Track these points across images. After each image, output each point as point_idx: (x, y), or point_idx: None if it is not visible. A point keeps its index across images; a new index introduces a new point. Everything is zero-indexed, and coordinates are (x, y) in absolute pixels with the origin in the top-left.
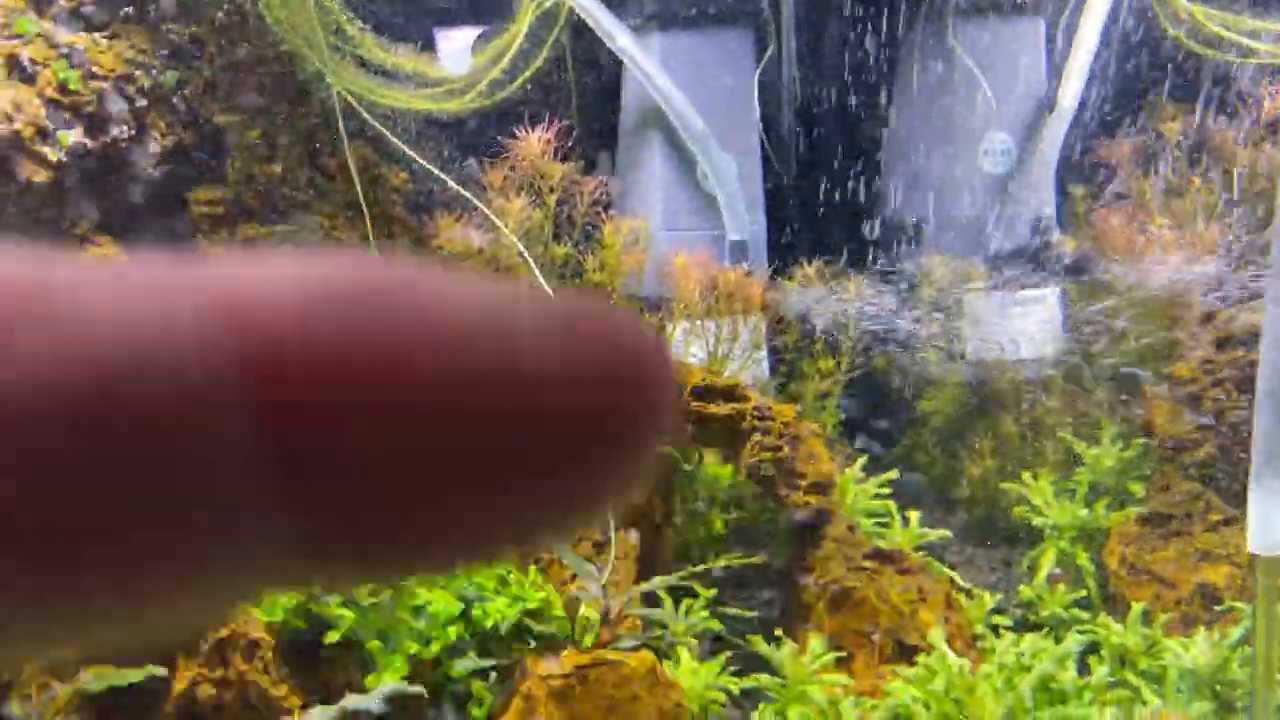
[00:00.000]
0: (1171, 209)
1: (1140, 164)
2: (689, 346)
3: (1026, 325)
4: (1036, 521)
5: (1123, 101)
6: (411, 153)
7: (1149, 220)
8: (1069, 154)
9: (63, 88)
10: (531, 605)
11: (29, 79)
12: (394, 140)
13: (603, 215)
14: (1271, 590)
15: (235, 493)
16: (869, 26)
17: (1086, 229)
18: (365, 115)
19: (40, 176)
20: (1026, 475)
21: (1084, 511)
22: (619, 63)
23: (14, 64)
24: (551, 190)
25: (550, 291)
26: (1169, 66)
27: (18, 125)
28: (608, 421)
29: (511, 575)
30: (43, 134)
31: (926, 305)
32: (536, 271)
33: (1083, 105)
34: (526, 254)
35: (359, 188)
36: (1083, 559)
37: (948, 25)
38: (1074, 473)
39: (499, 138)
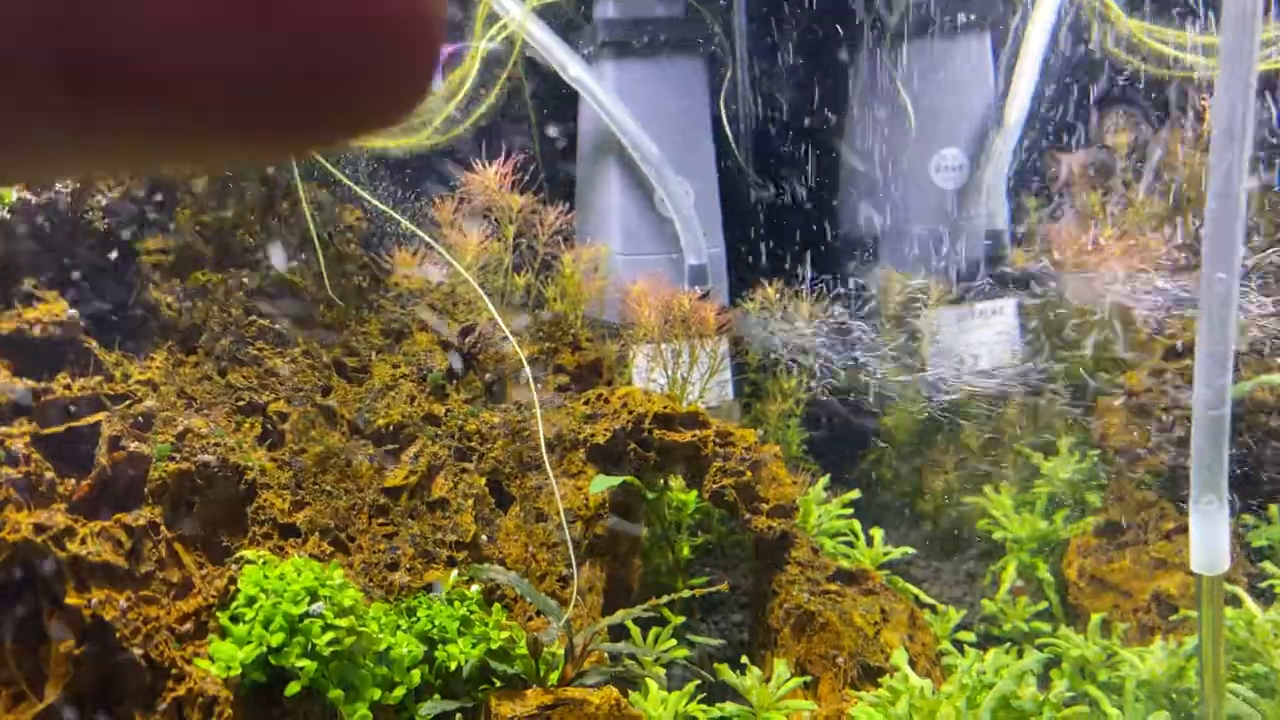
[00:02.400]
0: (1120, 220)
1: (1089, 176)
2: (652, 372)
3: (985, 336)
4: (998, 535)
5: (1072, 113)
6: (363, 193)
7: (1099, 232)
8: (1020, 167)
9: None
10: (495, 645)
11: None
12: (344, 180)
13: (563, 244)
14: (1215, 607)
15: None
16: (820, 48)
17: (1039, 241)
18: (315, 155)
19: None
20: (988, 488)
21: (1043, 523)
22: (574, 91)
23: None
24: (511, 222)
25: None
26: (1114, 79)
27: None
28: (373, 30)
29: (475, 615)
30: None
31: (885, 320)
32: (491, 306)
33: (1031, 118)
34: (484, 287)
35: (313, 228)
36: (1043, 571)
37: (897, 44)
38: (1033, 484)
39: (456, 169)
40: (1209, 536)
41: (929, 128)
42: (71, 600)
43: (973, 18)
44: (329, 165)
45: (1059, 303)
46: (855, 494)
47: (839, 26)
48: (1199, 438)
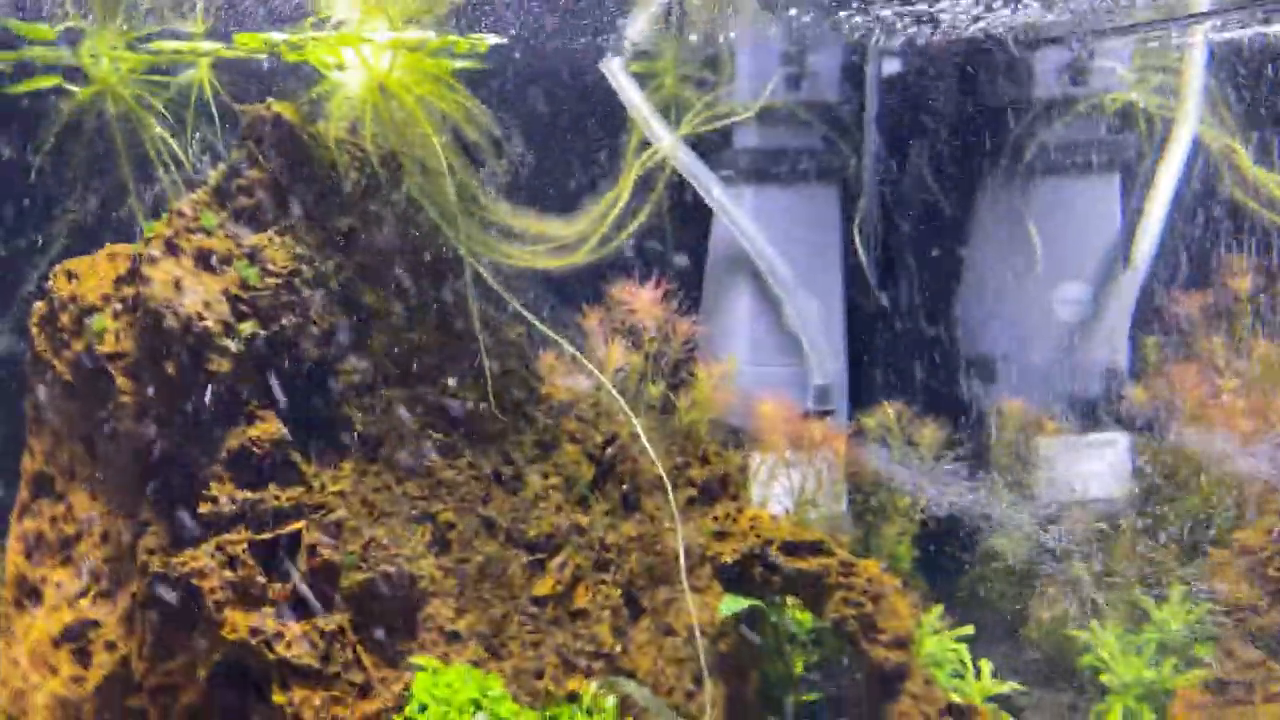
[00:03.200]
0: (1238, 370)
1: (1210, 319)
2: (770, 485)
3: (1096, 468)
4: (1104, 678)
5: (1197, 258)
6: (527, 313)
7: (1218, 379)
8: (1143, 307)
9: (244, 284)
10: None
11: (214, 273)
12: (511, 300)
13: (694, 354)
14: None
15: None
16: (949, 179)
17: (1158, 382)
18: (487, 277)
19: (223, 367)
20: (1094, 625)
21: (1150, 671)
22: (707, 210)
23: (202, 257)
24: (652, 340)
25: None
26: (1240, 225)
27: (208, 322)
28: None
29: None
30: (227, 328)
31: (999, 444)
32: (633, 419)
33: (1157, 259)
34: (623, 396)
35: (482, 348)
36: (1148, 718)
37: (1028, 179)
38: (1141, 628)
39: (600, 283)
40: None
41: (1054, 261)
42: (277, 699)
43: (1104, 159)
44: (496, 285)
45: (1176, 448)
46: (969, 630)
47: (969, 159)
48: None
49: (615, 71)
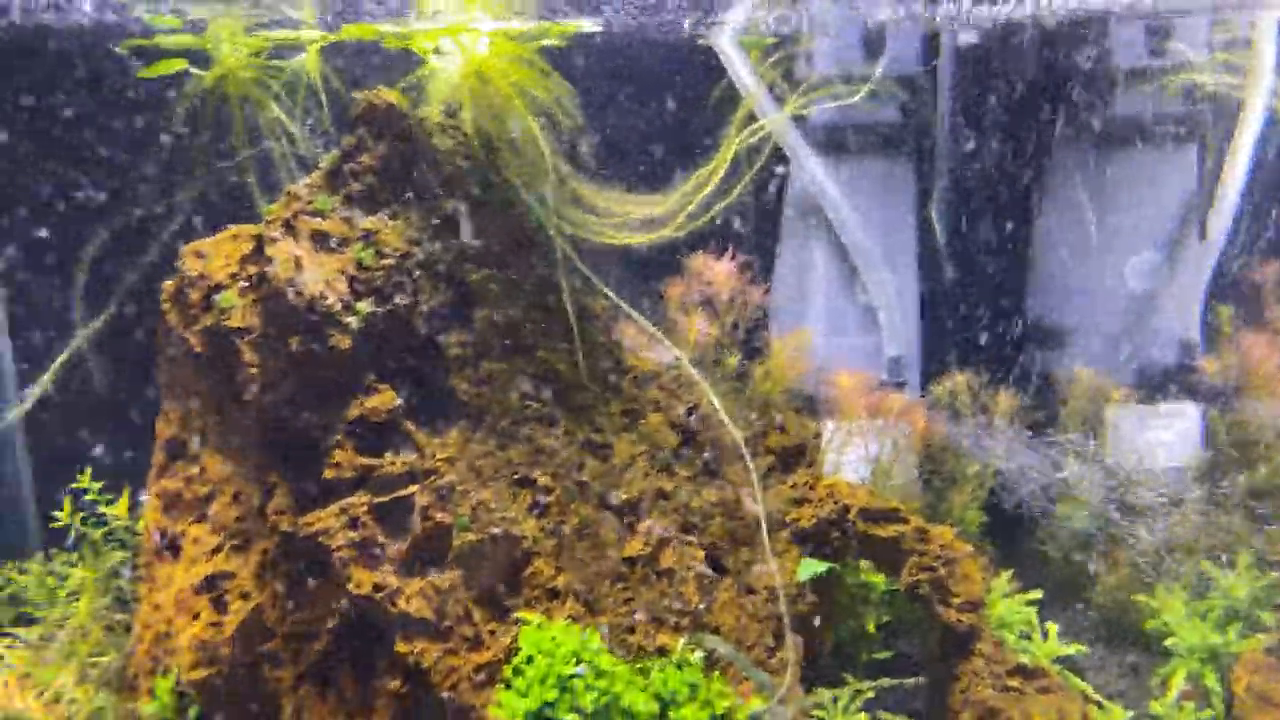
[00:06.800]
0: None
1: None
2: (843, 452)
3: (1165, 437)
4: (1169, 642)
5: (1273, 229)
6: (610, 294)
7: None
8: (1218, 275)
9: (360, 264)
10: (719, 711)
11: (331, 253)
12: (592, 278)
13: (765, 320)
14: None
15: None
16: (1023, 149)
17: (1231, 352)
18: (573, 255)
19: (344, 343)
20: (1160, 590)
21: (1216, 636)
22: (780, 181)
23: (319, 238)
24: (727, 312)
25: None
26: None
27: (330, 301)
28: None
29: (700, 682)
30: (346, 306)
31: (1069, 412)
32: (710, 391)
33: (1234, 227)
34: (701, 368)
35: (573, 321)
36: (1211, 680)
37: (1102, 148)
38: (1207, 595)
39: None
40: None
41: (1127, 231)
42: (400, 648)
43: (1180, 130)
44: (580, 264)
45: (1246, 418)
46: (1038, 594)
47: (1044, 130)
48: None
49: (725, 46)
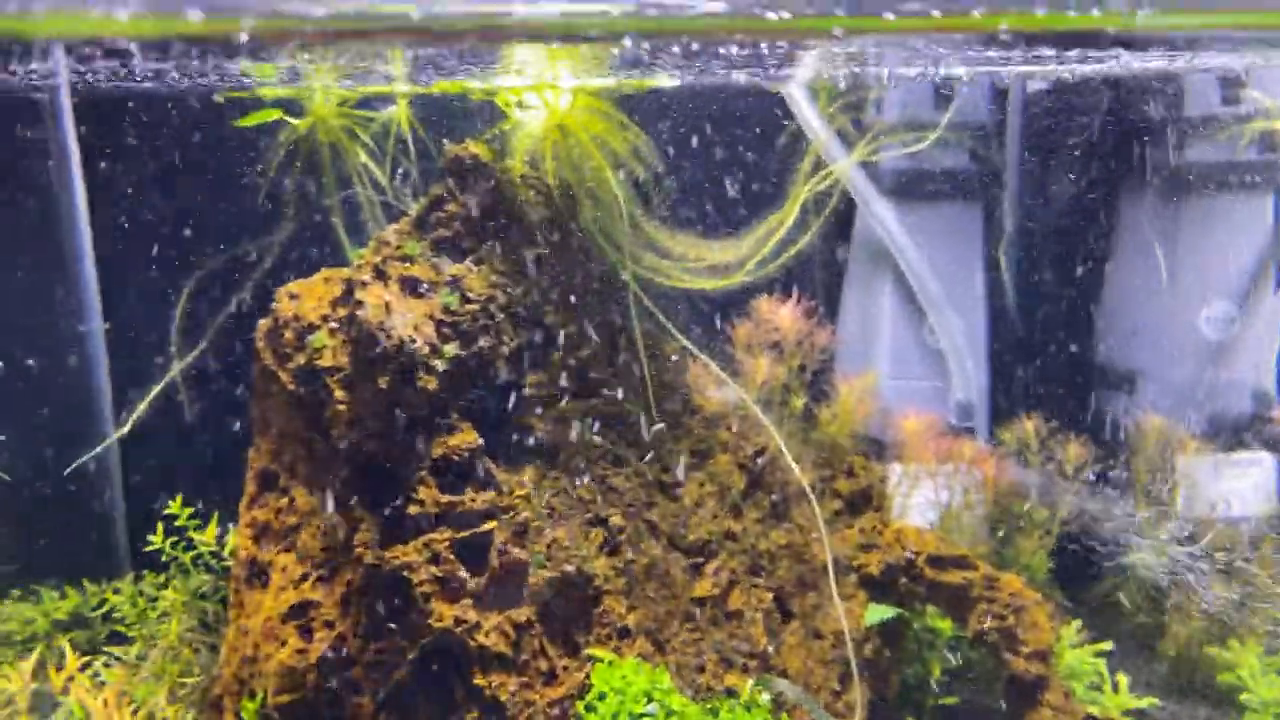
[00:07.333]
0: None
1: None
2: (910, 496)
3: (1239, 487)
4: (1243, 697)
5: None
6: (680, 336)
7: None
8: None
9: (446, 309)
10: None
11: (419, 297)
12: (664, 321)
13: (830, 363)
14: None
15: None
16: (1093, 197)
17: None
18: (645, 299)
19: (430, 384)
20: (1234, 643)
21: None
22: (847, 225)
23: (407, 283)
24: (793, 355)
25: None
26: None
27: (418, 344)
28: None
29: None
30: (433, 349)
31: (1139, 460)
32: (776, 434)
33: None
34: (768, 410)
35: (644, 363)
36: None
37: (1177, 195)
38: None
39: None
40: None
41: (1200, 279)
42: (478, 681)
43: (1255, 178)
44: (653, 308)
45: None
46: (1108, 644)
47: (1114, 177)
48: None
49: (796, 96)
